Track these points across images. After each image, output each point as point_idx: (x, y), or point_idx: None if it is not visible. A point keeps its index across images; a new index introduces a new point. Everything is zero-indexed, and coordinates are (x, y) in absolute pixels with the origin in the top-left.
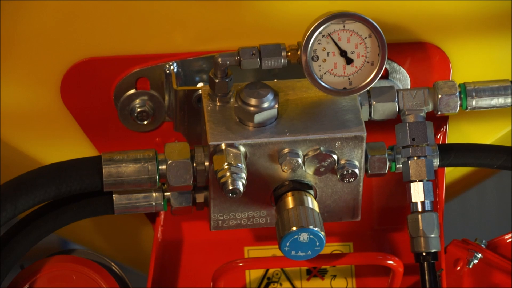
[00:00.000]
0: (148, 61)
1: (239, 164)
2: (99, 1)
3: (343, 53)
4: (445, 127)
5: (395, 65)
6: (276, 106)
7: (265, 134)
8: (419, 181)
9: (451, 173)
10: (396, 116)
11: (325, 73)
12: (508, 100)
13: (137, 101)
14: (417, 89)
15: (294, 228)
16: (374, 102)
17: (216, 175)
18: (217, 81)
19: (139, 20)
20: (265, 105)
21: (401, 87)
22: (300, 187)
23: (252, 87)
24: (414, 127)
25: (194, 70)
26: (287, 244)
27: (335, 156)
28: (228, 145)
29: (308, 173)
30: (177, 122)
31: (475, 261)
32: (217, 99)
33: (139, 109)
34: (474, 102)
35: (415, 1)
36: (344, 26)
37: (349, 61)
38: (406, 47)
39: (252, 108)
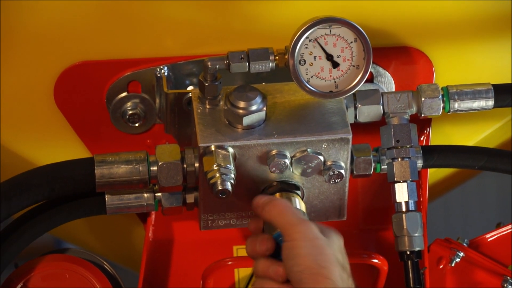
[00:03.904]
0: (139, 64)
1: (228, 165)
2: (92, 6)
3: (329, 57)
4: (428, 129)
5: (380, 69)
6: (264, 108)
7: (254, 136)
8: (403, 181)
9: (434, 174)
10: (380, 119)
11: (312, 77)
12: (489, 103)
13: (129, 104)
14: (401, 92)
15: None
16: (359, 105)
17: (205, 176)
18: (206, 84)
19: (131, 25)
20: (254, 107)
21: (385, 90)
22: (287, 187)
23: (241, 90)
24: (398, 129)
25: (185, 74)
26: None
27: (321, 158)
28: (217, 147)
29: (295, 174)
30: (167, 124)
31: (457, 260)
32: (207, 102)
33: (130, 112)
34: (456, 105)
35: (400, 7)
36: (330, 31)
37: (335, 65)
38: (391, 52)
39: (241, 111)
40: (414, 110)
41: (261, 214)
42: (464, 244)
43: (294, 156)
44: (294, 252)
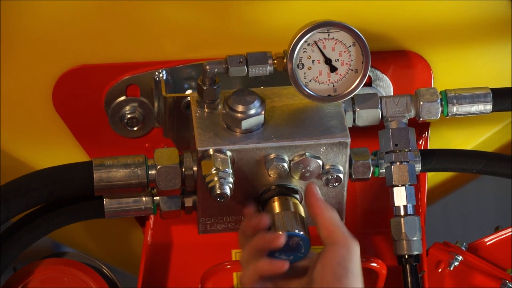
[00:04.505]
0: (138, 68)
1: (227, 169)
2: (90, 9)
3: (327, 61)
4: (426, 133)
5: (379, 72)
6: (263, 112)
7: (252, 140)
8: (402, 185)
9: (433, 178)
10: (379, 122)
11: (310, 81)
12: (488, 107)
13: (127, 107)
14: (400, 96)
15: (280, 233)
16: (358, 109)
17: (204, 180)
18: (205, 88)
19: (130, 28)
20: (252, 111)
21: (384, 94)
22: (286, 191)
23: (239, 94)
24: (396, 133)
25: (183, 78)
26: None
27: (320, 162)
28: (216, 151)
29: (294, 178)
30: (166, 128)
31: (456, 263)
32: (205, 106)
33: (129, 116)
34: (454, 109)
35: (398, 11)
36: (328, 35)
37: (333, 69)
38: (389, 55)
39: (239, 115)
40: (412, 114)
41: (314, 207)
42: (463, 248)
43: (292, 160)
44: (345, 264)
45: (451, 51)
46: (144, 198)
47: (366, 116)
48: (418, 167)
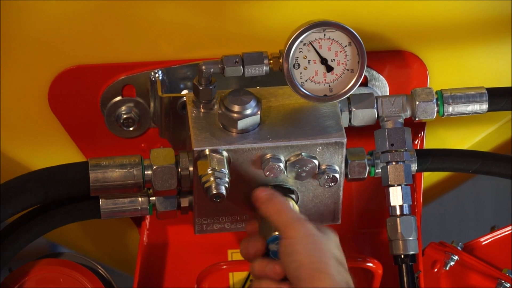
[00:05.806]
0: (134, 68)
1: (223, 169)
2: (86, 10)
3: (323, 61)
4: (422, 132)
5: (374, 72)
6: (259, 112)
7: (248, 140)
8: (398, 185)
9: (429, 178)
10: (375, 122)
11: (306, 81)
12: (483, 107)
13: (123, 107)
14: (396, 96)
15: (277, 233)
16: (354, 109)
17: (200, 180)
18: (201, 88)
19: (126, 28)
20: (248, 111)
21: (380, 94)
22: (282, 191)
23: (235, 94)
24: (392, 133)
25: (179, 78)
26: (271, 245)
27: (316, 161)
28: (212, 151)
29: (290, 177)
30: (162, 128)
31: (452, 263)
32: (201, 106)
33: (125, 116)
34: (450, 109)
35: (394, 11)
36: (324, 35)
37: (329, 68)
38: (385, 55)
39: (235, 115)
40: (408, 113)
41: (260, 209)
42: (459, 248)
43: (288, 160)
44: (291, 248)
45: (447, 51)
46: (140, 199)
47: (362, 116)
48: (414, 167)
